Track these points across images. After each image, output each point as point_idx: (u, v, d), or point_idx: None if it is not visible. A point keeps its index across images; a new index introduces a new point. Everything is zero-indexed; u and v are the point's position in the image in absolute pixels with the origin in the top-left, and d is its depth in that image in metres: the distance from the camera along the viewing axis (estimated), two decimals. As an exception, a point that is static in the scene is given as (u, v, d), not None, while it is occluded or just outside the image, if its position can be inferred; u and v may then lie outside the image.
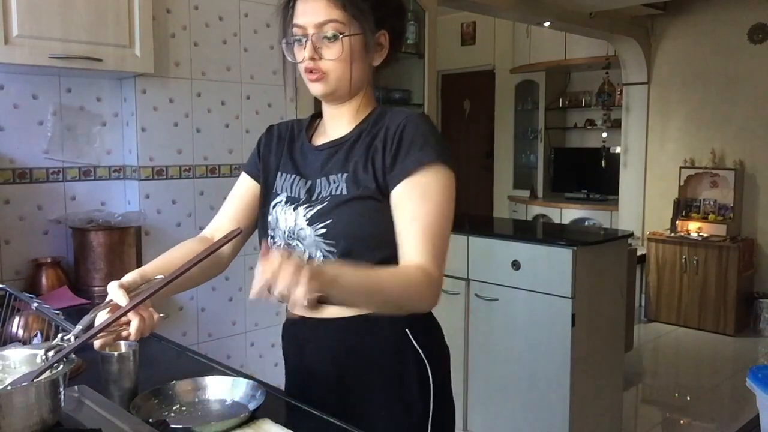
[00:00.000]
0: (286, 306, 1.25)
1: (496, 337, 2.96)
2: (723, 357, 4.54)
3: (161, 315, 1.05)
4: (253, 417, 1.03)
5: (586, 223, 5.83)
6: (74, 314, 1.26)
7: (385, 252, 1.10)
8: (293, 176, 1.21)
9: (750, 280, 5.05)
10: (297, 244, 1.15)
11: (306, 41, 1.12)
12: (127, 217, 2.11)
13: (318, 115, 1.28)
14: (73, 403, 0.99)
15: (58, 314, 1.34)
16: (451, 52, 6.76)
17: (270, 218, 1.20)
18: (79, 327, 0.93)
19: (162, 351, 1.47)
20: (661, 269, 5.17)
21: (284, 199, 1.20)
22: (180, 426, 0.98)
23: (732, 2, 5.08)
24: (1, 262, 2.00)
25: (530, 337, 2.82)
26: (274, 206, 1.21)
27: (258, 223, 1.26)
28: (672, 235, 5.16)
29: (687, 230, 5.12)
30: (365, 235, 1.11)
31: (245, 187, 1.30)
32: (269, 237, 1.20)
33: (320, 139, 1.24)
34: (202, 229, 1.33)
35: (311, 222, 1.13)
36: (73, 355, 0.91)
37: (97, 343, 1.02)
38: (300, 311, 1.05)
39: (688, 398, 3.82)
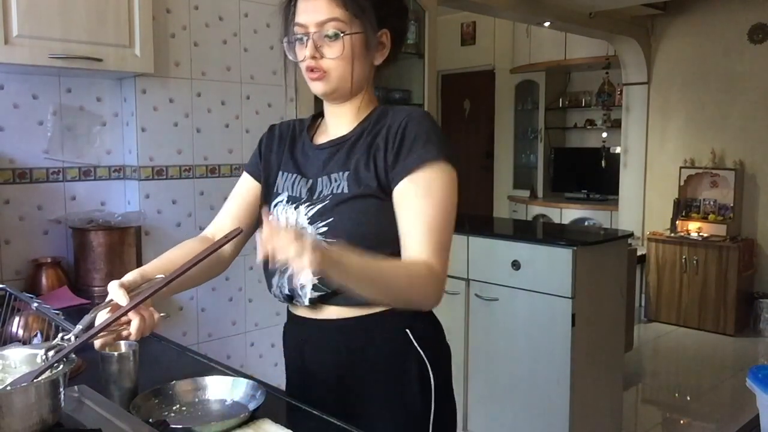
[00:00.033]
0: (288, 306, 1.25)
1: (496, 337, 2.96)
2: (723, 357, 4.54)
3: (162, 314, 1.05)
4: (253, 417, 1.03)
5: (586, 223, 5.83)
6: (74, 314, 1.27)
7: (387, 250, 1.10)
8: (294, 175, 1.21)
9: (750, 280, 5.05)
10: None
11: (307, 40, 1.12)
12: (127, 217, 2.11)
13: (320, 114, 1.28)
14: (73, 403, 0.99)
15: (58, 314, 1.34)
16: (451, 52, 6.76)
17: (271, 217, 1.20)
18: (79, 327, 0.93)
19: (162, 351, 1.47)
20: (661, 269, 5.17)
21: (285, 199, 1.20)
22: (180, 426, 0.98)
23: (732, 2, 5.08)
24: (1, 262, 2.00)
25: (530, 337, 2.82)
26: (275, 206, 1.21)
27: (259, 222, 1.25)
28: (672, 235, 5.16)
29: (687, 230, 5.12)
30: (367, 234, 1.11)
31: (246, 187, 1.30)
32: None
33: (322, 138, 1.24)
34: (202, 229, 1.33)
35: (312, 221, 1.13)
36: (73, 355, 0.91)
37: (97, 343, 1.02)
38: (305, 281, 1.05)
39: (688, 398, 3.82)
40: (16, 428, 0.81)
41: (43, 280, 1.97)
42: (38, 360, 0.92)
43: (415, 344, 1.18)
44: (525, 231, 3.51)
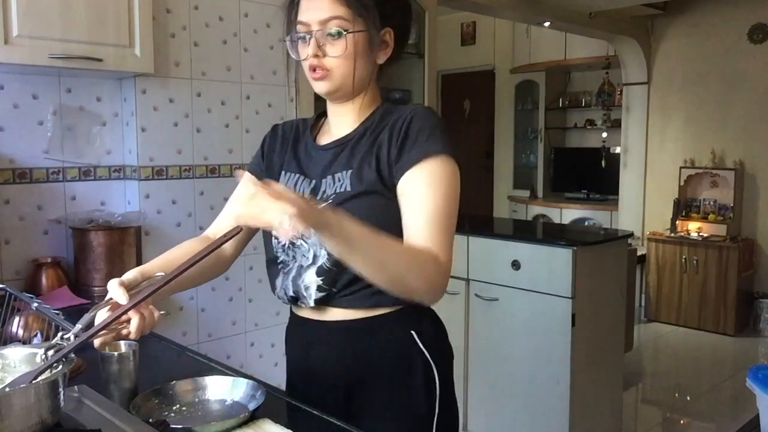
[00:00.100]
0: (291, 307, 1.25)
1: (496, 337, 2.96)
2: (723, 357, 4.54)
3: (162, 312, 1.04)
4: (253, 417, 1.03)
5: (586, 223, 5.83)
6: (74, 314, 1.26)
7: None
8: (297, 176, 1.21)
9: (750, 280, 5.05)
10: (301, 243, 1.15)
11: (310, 38, 1.11)
12: (127, 217, 2.11)
13: (323, 113, 1.27)
14: (73, 403, 0.99)
15: (58, 314, 1.34)
16: (451, 52, 6.76)
17: None
18: (78, 326, 0.93)
19: (162, 351, 1.47)
20: (661, 269, 5.17)
21: None
22: (180, 426, 0.97)
23: (732, 2, 5.08)
24: (1, 262, 2.00)
25: (530, 337, 2.82)
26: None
27: None
28: (672, 235, 5.16)
29: (687, 230, 5.12)
30: None
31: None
32: (273, 236, 1.20)
33: (325, 138, 1.23)
34: (202, 229, 1.33)
35: None
36: (73, 355, 0.90)
37: (97, 342, 1.02)
38: (284, 237, 0.91)
39: (688, 398, 3.82)
40: (15, 429, 0.81)
41: (43, 280, 1.97)
42: (38, 359, 0.92)
43: (421, 346, 1.18)
44: (525, 231, 3.51)
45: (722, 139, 5.22)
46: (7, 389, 0.86)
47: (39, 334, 1.35)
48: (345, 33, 1.10)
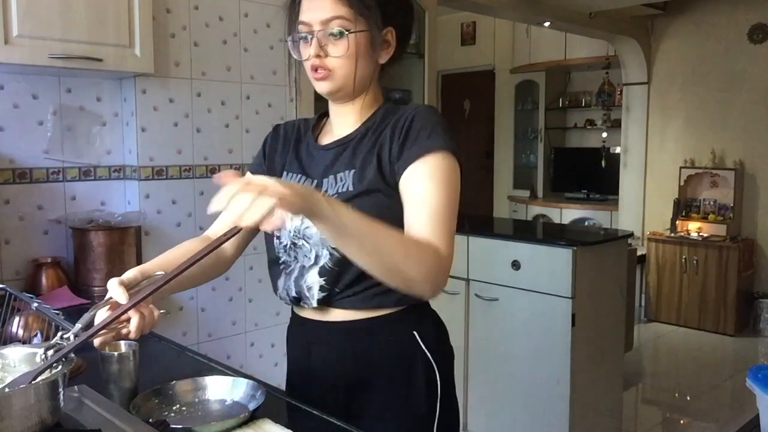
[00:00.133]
0: (293, 308, 1.25)
1: (496, 337, 2.96)
2: (723, 357, 4.55)
3: (162, 311, 1.04)
4: (253, 417, 1.03)
5: (586, 223, 5.83)
6: (74, 314, 1.26)
7: None
8: (299, 176, 1.20)
9: (750, 280, 5.05)
10: (303, 243, 1.15)
11: (312, 38, 1.11)
12: (127, 217, 2.11)
13: (325, 114, 1.27)
14: (73, 403, 0.99)
15: (58, 314, 1.34)
16: (451, 52, 6.76)
17: None
18: (78, 325, 0.93)
19: (162, 351, 1.47)
20: (661, 269, 5.17)
21: None
22: (180, 426, 0.97)
23: (732, 2, 5.08)
24: (1, 262, 2.00)
25: (530, 337, 2.82)
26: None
27: None
28: (672, 235, 5.16)
29: (687, 230, 5.12)
30: None
31: None
32: (275, 237, 1.20)
33: (327, 138, 1.23)
34: (202, 229, 1.33)
35: None
36: (73, 355, 0.90)
37: (97, 342, 1.01)
38: (279, 224, 0.85)
39: (688, 398, 3.82)
40: (15, 429, 0.81)
41: (43, 280, 1.97)
42: (38, 359, 0.92)
43: (422, 346, 1.18)
44: (525, 231, 3.51)
45: (722, 139, 5.22)
46: (7, 389, 0.86)
47: (39, 334, 1.35)
48: (347, 33, 1.09)
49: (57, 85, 2.09)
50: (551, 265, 2.73)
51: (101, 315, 0.97)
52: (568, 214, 6.00)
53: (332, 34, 1.10)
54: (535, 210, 6.26)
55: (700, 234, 5.03)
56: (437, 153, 1.08)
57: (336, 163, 1.17)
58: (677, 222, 5.20)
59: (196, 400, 1.10)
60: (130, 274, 1.03)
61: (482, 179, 6.86)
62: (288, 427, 1.01)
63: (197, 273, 1.16)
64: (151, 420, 0.98)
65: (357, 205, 1.07)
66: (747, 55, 5.05)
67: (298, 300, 1.18)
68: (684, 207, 5.28)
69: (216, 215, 1.29)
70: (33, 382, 0.85)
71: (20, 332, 1.37)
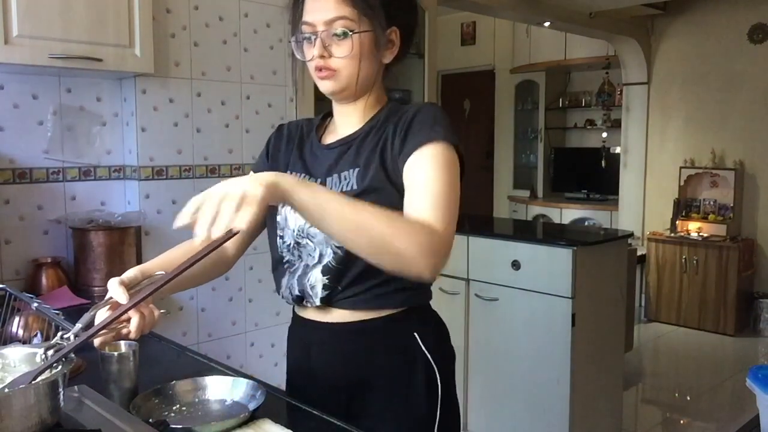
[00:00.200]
0: (294, 308, 1.25)
1: (496, 337, 2.96)
2: (723, 357, 4.54)
3: (162, 311, 1.04)
4: (253, 417, 1.03)
5: (586, 223, 5.83)
6: (74, 314, 1.26)
7: None
8: (302, 175, 1.20)
9: (750, 280, 5.05)
10: (307, 243, 1.15)
11: (315, 39, 1.10)
12: (127, 217, 2.11)
13: (329, 114, 1.27)
14: (73, 403, 0.99)
15: (58, 314, 1.34)
16: (451, 52, 6.76)
17: (279, 217, 1.20)
18: (78, 325, 0.93)
19: (162, 351, 1.47)
20: (661, 269, 5.17)
21: None
22: (180, 426, 0.97)
23: (732, 2, 5.08)
24: (1, 262, 2.00)
25: (530, 337, 2.82)
26: (284, 205, 1.20)
27: (266, 222, 1.25)
28: (672, 235, 5.16)
29: (687, 230, 5.12)
30: None
31: None
32: (278, 236, 1.20)
33: (330, 137, 1.23)
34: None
35: None
36: (73, 355, 0.90)
37: (97, 341, 1.02)
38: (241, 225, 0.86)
39: (688, 398, 3.82)
40: (15, 429, 0.81)
41: (43, 280, 1.97)
42: (38, 359, 0.92)
43: (423, 348, 1.18)
44: (525, 231, 3.51)
45: (722, 139, 5.22)
46: (7, 389, 0.86)
47: (39, 334, 1.35)
48: (351, 33, 1.09)
49: (57, 85, 2.09)
50: (551, 265, 2.73)
51: (101, 315, 0.97)
52: (568, 214, 6.00)
53: (336, 35, 1.09)
54: (535, 210, 6.26)
55: (700, 234, 5.03)
56: (438, 143, 1.07)
57: (340, 162, 1.16)
58: (677, 222, 5.20)
59: (196, 400, 1.10)
60: (131, 273, 1.03)
61: (482, 179, 6.86)
62: (288, 427, 1.01)
63: (198, 273, 1.16)
64: (151, 420, 0.98)
65: None
66: (747, 55, 5.05)
67: (300, 299, 1.18)
68: (684, 207, 5.28)
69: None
70: (33, 382, 0.85)
71: (20, 332, 1.37)
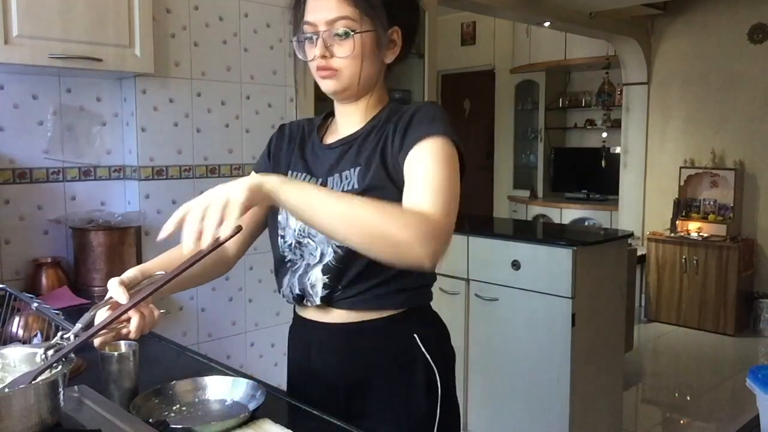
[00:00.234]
0: (295, 307, 1.25)
1: (496, 337, 2.96)
2: (723, 357, 4.54)
3: (162, 311, 1.04)
4: (253, 417, 1.03)
5: (586, 223, 5.83)
6: (74, 314, 1.26)
7: None
8: (303, 175, 1.20)
9: (750, 280, 5.05)
10: (309, 242, 1.15)
11: (317, 39, 1.10)
12: (127, 217, 2.11)
13: (330, 114, 1.27)
14: (73, 403, 0.99)
15: (58, 314, 1.34)
16: (451, 52, 6.76)
17: (280, 217, 1.20)
18: (78, 326, 0.93)
19: (162, 351, 1.47)
20: (661, 269, 5.17)
21: None
22: (180, 426, 0.97)
23: (732, 2, 5.08)
24: (1, 262, 2.00)
25: (530, 337, 2.82)
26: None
27: (267, 222, 1.25)
28: (672, 235, 5.16)
29: (687, 230, 5.12)
30: None
31: None
32: (280, 236, 1.20)
33: (332, 137, 1.23)
34: (202, 229, 1.32)
35: None
36: (73, 355, 0.90)
37: (97, 341, 1.02)
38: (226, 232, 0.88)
39: (688, 398, 3.82)
40: (15, 429, 0.81)
41: (43, 280, 1.97)
42: (38, 359, 0.92)
43: (423, 350, 1.18)
44: (525, 231, 3.51)
45: (722, 139, 5.22)
46: (7, 389, 0.86)
47: (39, 334, 1.35)
48: (352, 33, 1.09)
49: (57, 85, 2.09)
50: (551, 265, 2.73)
51: (101, 315, 0.97)
52: (568, 214, 6.00)
53: (338, 35, 1.09)
54: (535, 210, 6.26)
55: (700, 234, 5.03)
56: (437, 137, 1.07)
57: (341, 161, 1.16)
58: (677, 222, 5.20)
59: (196, 400, 1.10)
60: (130, 273, 1.03)
61: (482, 179, 6.86)
62: (288, 427, 1.01)
63: (198, 273, 1.16)
64: (151, 420, 0.98)
65: None
66: (747, 55, 5.05)
67: (301, 298, 1.18)
68: (684, 207, 5.28)
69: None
70: (33, 382, 0.85)
71: (20, 332, 1.37)
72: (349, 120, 1.20)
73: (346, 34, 1.09)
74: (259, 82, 2.50)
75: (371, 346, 1.16)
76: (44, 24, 1.81)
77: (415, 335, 1.17)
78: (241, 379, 1.14)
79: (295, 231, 1.17)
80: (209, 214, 0.86)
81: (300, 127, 1.28)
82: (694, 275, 4.99)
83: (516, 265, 2.84)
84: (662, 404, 3.82)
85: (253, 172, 1.29)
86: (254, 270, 2.49)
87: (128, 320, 1.00)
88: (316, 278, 1.14)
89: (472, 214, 5.11)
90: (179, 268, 0.93)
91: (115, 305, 0.98)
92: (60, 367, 0.88)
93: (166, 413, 1.05)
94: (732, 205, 5.05)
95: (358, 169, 1.13)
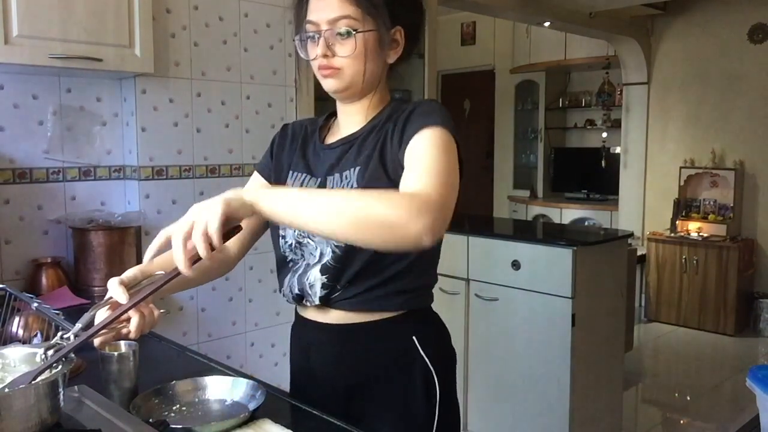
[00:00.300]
0: (296, 307, 1.25)
1: (496, 337, 2.96)
2: (723, 357, 4.54)
3: (162, 311, 1.04)
4: (253, 417, 1.03)
5: (586, 223, 5.83)
6: (74, 314, 1.26)
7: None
8: (303, 175, 1.20)
9: (750, 280, 5.05)
10: (308, 242, 1.15)
11: (319, 38, 1.10)
12: (127, 217, 2.11)
13: (333, 114, 1.26)
14: (73, 403, 0.99)
15: (58, 314, 1.34)
16: (451, 52, 6.76)
17: None
18: (78, 325, 0.93)
19: (162, 351, 1.47)
20: (661, 269, 5.17)
21: None
22: (180, 426, 0.98)
23: (732, 2, 5.08)
24: (1, 262, 2.00)
25: (530, 337, 2.82)
26: None
27: (268, 222, 1.25)
28: (672, 235, 5.16)
29: (687, 230, 5.12)
30: None
31: (255, 186, 1.28)
32: (280, 236, 1.20)
33: (333, 137, 1.22)
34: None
35: None
36: (73, 355, 0.90)
37: (97, 341, 1.02)
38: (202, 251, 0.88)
39: (688, 398, 3.82)
40: (15, 429, 0.81)
41: (43, 280, 1.97)
42: (38, 359, 0.92)
43: (421, 352, 1.17)
44: (525, 231, 3.51)
45: (722, 139, 5.22)
46: (7, 389, 0.86)
47: (39, 334, 1.35)
48: (354, 32, 1.09)
49: (57, 85, 2.09)
50: (551, 265, 2.73)
51: (101, 315, 0.97)
52: (568, 214, 6.00)
53: (340, 34, 1.09)
54: (535, 210, 6.27)
55: (700, 234, 5.03)
56: (435, 127, 1.06)
57: (341, 161, 1.16)
58: (677, 222, 5.20)
59: (196, 400, 1.10)
60: (130, 273, 1.03)
61: (482, 179, 6.87)
62: (288, 427, 1.01)
63: (199, 273, 1.15)
64: (151, 420, 0.98)
65: None
66: (747, 55, 5.05)
67: (300, 298, 1.18)
68: (684, 207, 5.28)
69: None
70: (33, 382, 0.85)
71: (20, 332, 1.37)
72: (350, 120, 1.20)
73: (348, 34, 1.09)
74: (259, 82, 2.50)
75: (370, 348, 1.16)
76: (44, 24, 1.81)
77: (414, 337, 1.17)
78: (241, 379, 1.14)
79: (295, 231, 1.17)
80: (195, 237, 0.87)
81: (303, 127, 1.28)
82: (694, 275, 4.99)
83: (516, 265, 2.84)
84: (662, 404, 3.82)
85: (256, 172, 1.30)
86: (254, 270, 2.49)
87: (128, 320, 1.00)
88: (315, 278, 1.14)
89: (472, 214, 5.11)
90: (178, 268, 0.93)
91: (115, 305, 0.97)
92: (60, 367, 0.88)
93: (166, 413, 1.06)
94: (732, 205, 5.05)
95: (357, 168, 1.13)
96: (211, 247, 0.88)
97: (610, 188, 5.95)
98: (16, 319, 1.39)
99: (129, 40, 1.98)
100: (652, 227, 5.46)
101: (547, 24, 4.98)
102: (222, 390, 1.12)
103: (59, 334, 0.93)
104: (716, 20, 5.18)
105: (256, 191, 0.94)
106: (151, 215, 2.23)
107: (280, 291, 1.23)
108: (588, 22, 4.95)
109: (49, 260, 2.01)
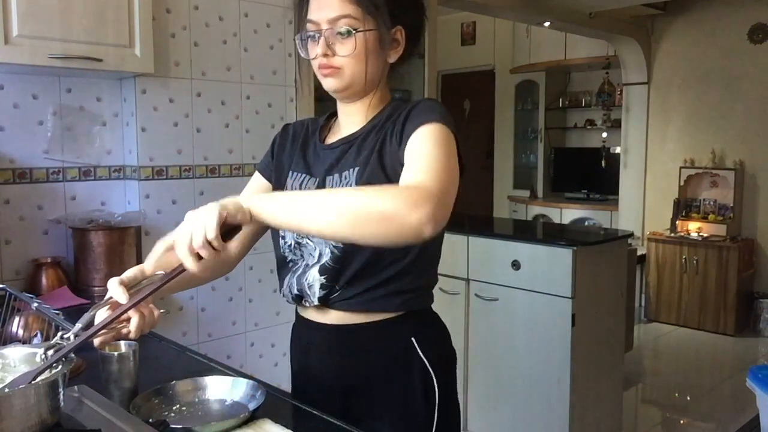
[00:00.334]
0: (296, 308, 1.25)
1: (496, 337, 2.96)
2: (723, 357, 4.54)
3: (162, 311, 1.04)
4: (253, 417, 1.03)
5: (586, 223, 5.83)
6: (74, 314, 1.26)
7: (403, 249, 1.09)
8: (303, 175, 1.20)
9: (750, 280, 5.05)
10: (308, 242, 1.16)
11: (319, 37, 1.10)
12: (127, 217, 2.11)
13: (334, 114, 1.26)
14: (73, 403, 0.99)
15: (58, 314, 1.34)
16: (451, 52, 6.76)
17: None
18: (78, 326, 0.93)
19: (162, 351, 1.47)
20: (661, 269, 5.17)
21: None
22: (180, 426, 0.98)
23: (732, 2, 5.08)
24: (1, 262, 2.00)
25: (530, 337, 2.82)
26: None
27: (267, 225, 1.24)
28: (672, 235, 5.16)
29: (687, 230, 5.12)
30: None
31: (256, 186, 1.29)
32: (280, 237, 1.20)
33: (334, 137, 1.22)
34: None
35: None
36: (73, 355, 0.90)
37: (97, 341, 1.02)
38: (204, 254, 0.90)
39: (688, 398, 3.82)
40: (15, 429, 0.81)
41: (43, 280, 1.97)
42: (38, 359, 0.92)
43: (420, 353, 1.17)
44: (525, 231, 3.51)
45: (722, 139, 5.22)
46: (7, 389, 0.86)
47: (39, 334, 1.35)
48: (354, 32, 1.09)
49: (57, 85, 2.09)
50: (551, 265, 2.73)
51: (101, 315, 0.97)
52: (568, 214, 6.00)
53: (340, 33, 1.09)
54: (535, 210, 6.27)
55: (700, 234, 5.03)
56: (434, 123, 1.05)
57: (341, 161, 1.16)
58: (677, 222, 5.20)
59: (196, 400, 1.10)
60: (130, 273, 1.03)
61: (482, 179, 6.87)
62: (288, 427, 1.01)
63: (201, 271, 1.15)
64: (151, 420, 0.98)
65: None
66: (747, 55, 5.05)
67: (300, 298, 1.18)
68: (684, 207, 5.28)
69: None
70: (33, 382, 0.85)
71: (20, 332, 1.37)
72: (351, 119, 1.20)
73: (349, 33, 1.09)
74: (259, 82, 2.50)
75: (369, 348, 1.16)
76: (44, 24, 1.81)
77: (413, 338, 1.17)
78: (241, 379, 1.14)
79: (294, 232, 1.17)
80: (195, 243, 0.89)
81: (304, 127, 1.28)
82: (694, 275, 4.99)
83: (516, 265, 2.84)
84: (662, 404, 3.82)
85: (257, 171, 1.30)
86: (254, 270, 2.49)
87: (128, 320, 1.00)
88: (314, 278, 1.14)
89: (472, 214, 5.11)
90: (179, 268, 0.93)
91: (115, 305, 0.97)
92: (60, 367, 0.88)
93: (166, 413, 1.06)
94: (732, 205, 5.05)
95: (356, 169, 1.13)
96: (215, 249, 0.89)
97: (610, 188, 5.95)
98: (16, 319, 1.39)
99: (129, 40, 1.98)
100: (652, 227, 5.46)
101: (547, 24, 4.98)
102: (222, 390, 1.12)
103: (59, 334, 0.93)
104: (716, 20, 5.18)
105: (251, 197, 0.94)
106: (151, 215, 2.23)
107: (280, 291, 1.24)
108: (588, 22, 4.95)
109: (49, 260, 2.01)
